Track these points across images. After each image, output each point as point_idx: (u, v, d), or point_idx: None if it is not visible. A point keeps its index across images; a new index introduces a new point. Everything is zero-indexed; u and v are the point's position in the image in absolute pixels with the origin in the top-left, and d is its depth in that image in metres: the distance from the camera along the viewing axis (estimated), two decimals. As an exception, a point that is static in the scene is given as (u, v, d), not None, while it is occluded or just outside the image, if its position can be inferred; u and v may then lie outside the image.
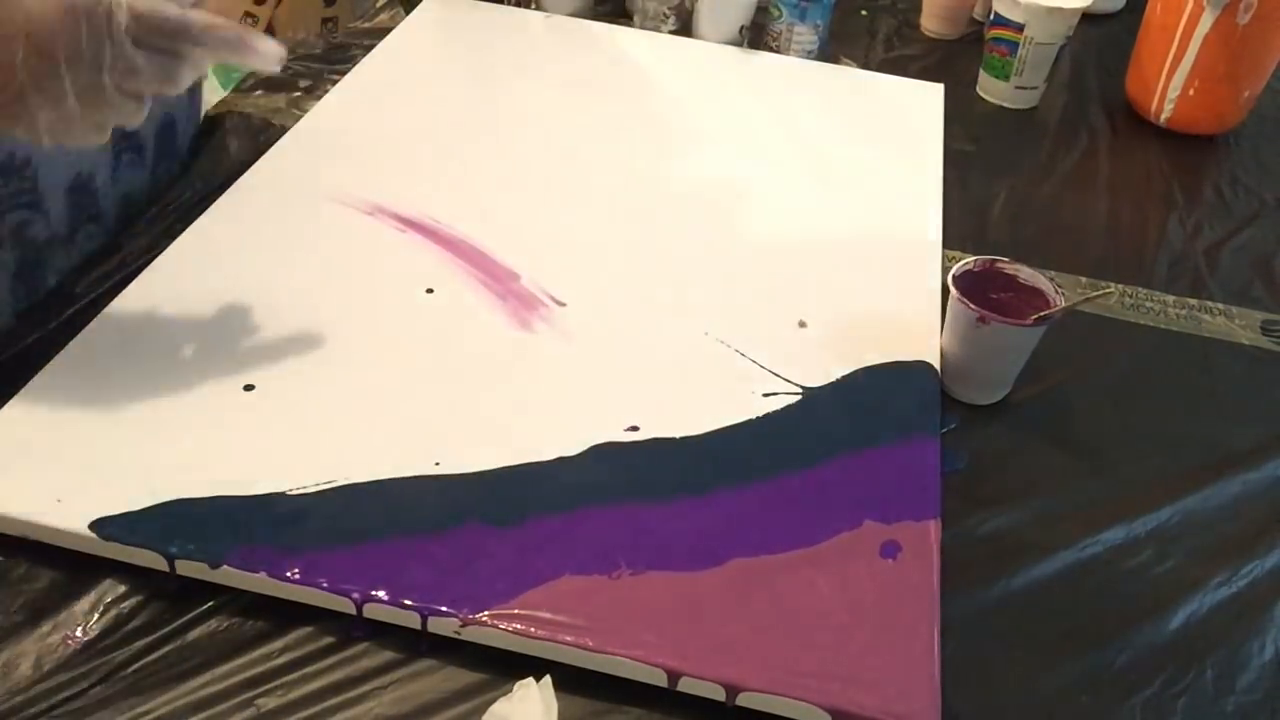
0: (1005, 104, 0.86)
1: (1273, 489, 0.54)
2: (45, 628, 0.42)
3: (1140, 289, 0.67)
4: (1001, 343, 0.54)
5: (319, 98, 0.75)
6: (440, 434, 0.49)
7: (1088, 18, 0.91)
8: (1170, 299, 0.67)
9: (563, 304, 0.58)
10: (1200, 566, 0.49)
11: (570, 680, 0.41)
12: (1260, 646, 0.46)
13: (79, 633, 0.42)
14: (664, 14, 0.88)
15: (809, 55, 0.88)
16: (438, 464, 0.48)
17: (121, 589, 0.43)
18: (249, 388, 0.51)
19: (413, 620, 0.42)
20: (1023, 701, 0.43)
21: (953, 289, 0.54)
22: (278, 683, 0.41)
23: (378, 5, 0.91)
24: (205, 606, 0.43)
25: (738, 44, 0.88)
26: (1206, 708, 0.44)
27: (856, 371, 0.55)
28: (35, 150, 0.51)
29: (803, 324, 0.59)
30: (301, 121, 0.71)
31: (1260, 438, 0.57)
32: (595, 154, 0.72)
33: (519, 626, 0.41)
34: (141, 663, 0.41)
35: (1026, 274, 0.56)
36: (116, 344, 0.52)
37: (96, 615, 0.42)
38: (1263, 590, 0.49)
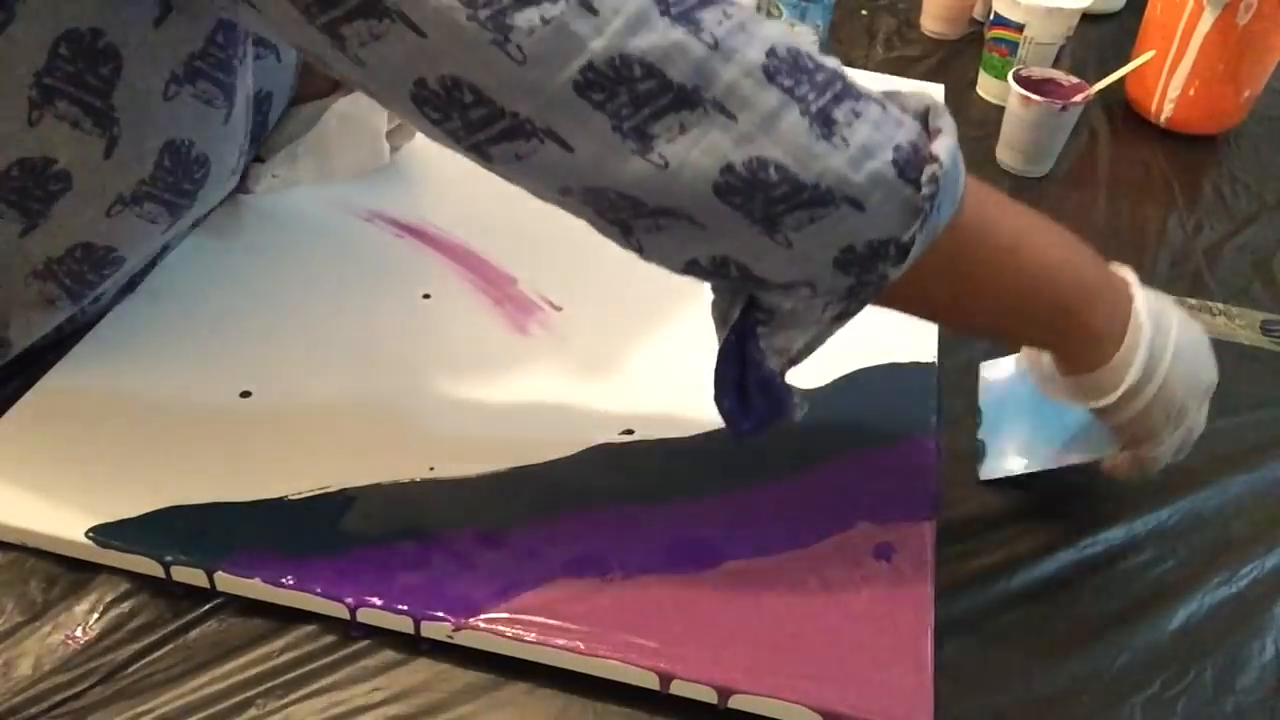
0: (1005, 104, 0.86)
1: (1273, 489, 0.54)
2: (45, 628, 0.42)
3: (1140, 289, 0.67)
4: (1059, 122, 0.75)
5: (319, 102, 0.75)
6: (435, 439, 0.50)
7: (1088, 18, 0.91)
8: (1170, 299, 0.66)
9: (559, 308, 0.58)
10: (1200, 566, 0.49)
11: (563, 683, 0.42)
12: (1260, 646, 0.46)
13: (79, 633, 0.42)
14: (664, 17, 0.88)
15: (808, 57, 0.88)
16: (432, 469, 0.48)
17: (121, 589, 0.44)
18: (245, 394, 0.51)
19: (406, 625, 0.42)
20: (1023, 701, 0.43)
21: (1020, 89, 0.74)
22: (278, 682, 0.41)
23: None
24: (205, 607, 0.43)
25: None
26: (1206, 708, 0.43)
27: (852, 374, 0.55)
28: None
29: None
30: (302, 126, 0.71)
31: (1260, 438, 0.57)
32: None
33: (511, 631, 0.41)
34: (141, 663, 0.41)
35: (1060, 75, 0.76)
36: (113, 353, 0.53)
37: (96, 615, 0.43)
38: (1263, 590, 0.48)
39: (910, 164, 0.35)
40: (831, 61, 0.36)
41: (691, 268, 0.38)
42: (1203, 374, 0.44)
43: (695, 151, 0.34)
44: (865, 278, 0.37)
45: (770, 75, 0.34)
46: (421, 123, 0.35)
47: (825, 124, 0.34)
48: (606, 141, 0.34)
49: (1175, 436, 0.44)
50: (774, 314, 0.39)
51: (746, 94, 0.33)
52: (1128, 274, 0.43)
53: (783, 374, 0.41)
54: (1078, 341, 0.42)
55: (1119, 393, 0.41)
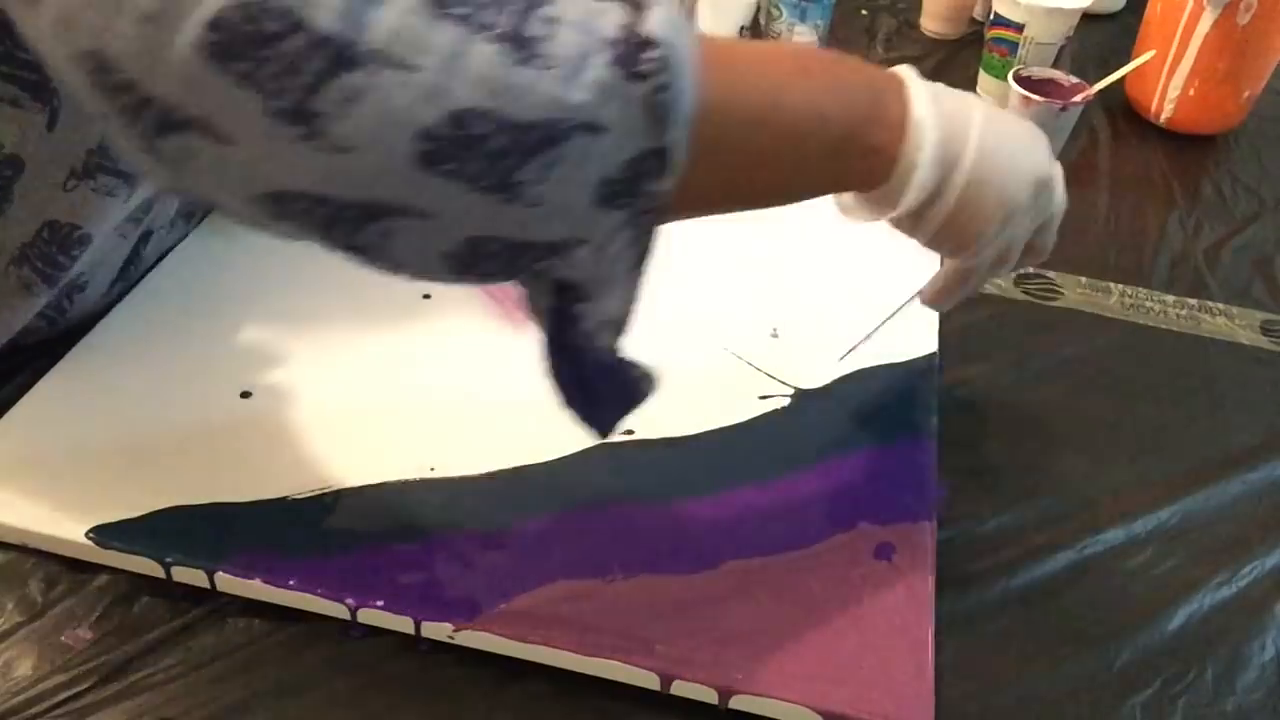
0: (1005, 104, 0.86)
1: (1273, 489, 0.54)
2: (45, 628, 0.42)
3: (1140, 289, 0.67)
4: (1059, 122, 0.75)
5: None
6: (435, 438, 0.50)
7: (1088, 18, 0.91)
8: (1170, 299, 0.67)
9: (560, 306, 0.58)
10: (1200, 566, 0.49)
11: (563, 683, 0.41)
12: (1260, 646, 0.46)
13: (79, 633, 0.42)
14: (663, 16, 0.88)
15: (808, 56, 0.88)
16: (433, 469, 0.48)
17: (121, 589, 0.44)
18: (246, 394, 0.51)
19: (407, 626, 0.42)
20: (1023, 702, 0.43)
21: (1020, 89, 0.74)
22: (278, 682, 0.41)
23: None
24: (206, 607, 0.43)
25: (737, 45, 0.88)
26: (1206, 708, 0.43)
27: (852, 373, 0.55)
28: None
29: (798, 325, 0.59)
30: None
31: (1260, 438, 0.57)
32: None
33: (511, 631, 0.41)
34: (141, 662, 0.41)
35: (1060, 75, 0.77)
36: (113, 352, 0.53)
37: (96, 615, 0.43)
38: (1263, 590, 0.48)
39: (631, 55, 0.29)
40: None
41: (452, 265, 0.31)
42: (1024, 167, 0.40)
43: (377, 123, 0.27)
44: (637, 204, 0.31)
45: (441, 4, 0.27)
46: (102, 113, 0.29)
47: (520, 46, 0.28)
48: (265, 129, 0.26)
49: (1000, 241, 0.41)
50: (579, 286, 0.33)
51: (416, 37, 0.27)
52: (905, 73, 0.39)
53: (614, 347, 0.36)
54: (861, 164, 0.37)
55: (908, 198, 0.38)
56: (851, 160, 0.37)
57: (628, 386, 0.37)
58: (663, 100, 0.30)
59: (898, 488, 0.49)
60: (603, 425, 0.38)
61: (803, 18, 0.86)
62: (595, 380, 0.36)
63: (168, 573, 0.43)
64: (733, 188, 0.36)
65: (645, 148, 0.30)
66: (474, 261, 0.32)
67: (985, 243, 0.40)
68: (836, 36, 0.92)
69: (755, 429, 0.52)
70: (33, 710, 0.39)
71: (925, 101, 0.37)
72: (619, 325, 0.35)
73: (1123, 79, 0.77)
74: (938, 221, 0.39)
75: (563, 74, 0.28)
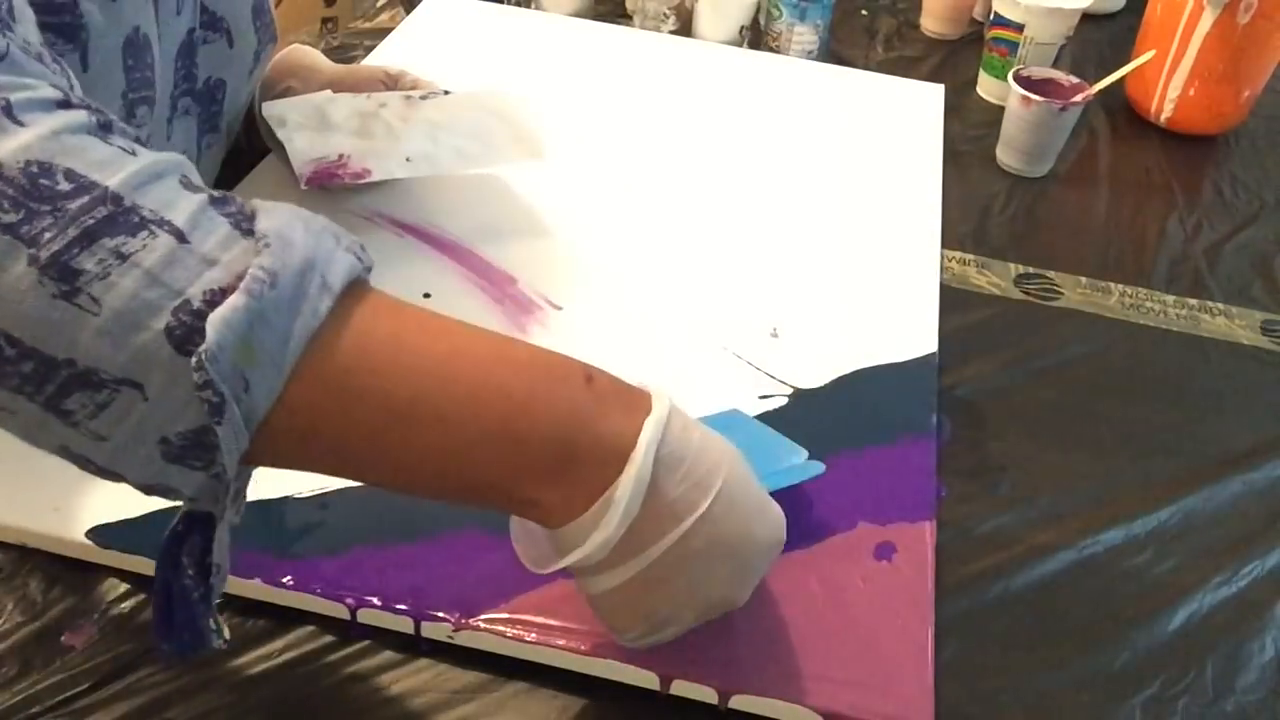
0: (1005, 104, 0.86)
1: (1273, 489, 0.54)
2: (45, 628, 0.42)
3: (1140, 289, 0.67)
4: (1059, 122, 0.75)
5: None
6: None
7: (1088, 18, 0.91)
8: (1170, 299, 0.67)
9: (559, 307, 0.58)
10: (1200, 566, 0.49)
11: (563, 683, 0.41)
12: (1260, 646, 0.46)
13: (79, 633, 0.42)
14: (664, 14, 0.88)
15: (809, 55, 0.88)
16: (435, 466, 0.48)
17: (122, 589, 0.44)
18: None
19: (406, 625, 0.42)
20: (1023, 702, 0.43)
21: (1020, 89, 0.74)
22: (278, 683, 0.41)
23: (378, 5, 0.92)
24: (204, 608, 0.43)
25: (738, 44, 0.88)
26: (1206, 708, 0.43)
27: (852, 373, 0.55)
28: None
29: (798, 325, 0.59)
30: (301, 125, 0.71)
31: (1260, 438, 0.57)
32: (593, 155, 0.72)
33: (512, 631, 0.41)
34: (141, 663, 0.41)
35: (1060, 75, 0.77)
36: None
37: (96, 615, 0.43)
38: (1263, 590, 0.49)
39: (186, 334, 0.26)
40: (122, 170, 0.27)
41: (81, 466, 0.30)
42: (741, 547, 0.35)
43: None
44: (211, 470, 0.29)
45: None
46: None
47: (64, 277, 0.26)
48: None
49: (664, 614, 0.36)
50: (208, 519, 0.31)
51: None
52: (655, 401, 0.35)
53: (214, 594, 0.33)
54: (521, 508, 0.34)
55: (571, 559, 0.33)
56: (510, 505, 0.34)
57: (200, 635, 0.34)
58: (208, 399, 0.27)
59: (898, 488, 0.49)
60: (165, 648, 0.35)
61: (803, 18, 0.86)
62: (178, 606, 0.33)
63: (167, 572, 0.43)
64: (351, 471, 0.33)
65: (199, 425, 0.28)
66: (98, 471, 0.30)
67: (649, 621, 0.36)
68: (837, 36, 0.92)
69: (755, 429, 0.52)
70: (32, 710, 0.39)
71: (643, 465, 0.33)
72: (217, 569, 0.32)
73: (1123, 79, 0.77)
74: (603, 588, 0.35)
75: (104, 326, 0.26)
